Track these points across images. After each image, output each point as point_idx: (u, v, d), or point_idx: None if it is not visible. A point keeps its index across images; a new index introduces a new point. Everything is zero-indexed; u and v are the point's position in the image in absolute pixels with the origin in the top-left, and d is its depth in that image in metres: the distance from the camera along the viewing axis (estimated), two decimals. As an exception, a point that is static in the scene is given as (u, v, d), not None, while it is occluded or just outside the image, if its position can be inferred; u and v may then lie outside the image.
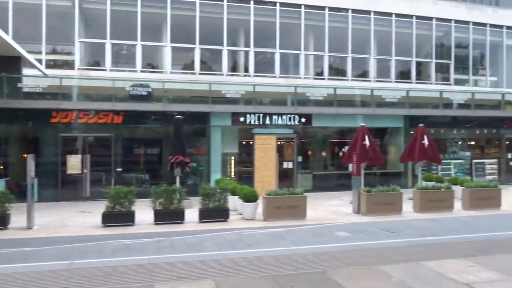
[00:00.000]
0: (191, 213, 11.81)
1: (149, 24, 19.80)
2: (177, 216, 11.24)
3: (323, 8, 22.45)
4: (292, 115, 17.48)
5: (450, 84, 24.17)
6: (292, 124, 17.53)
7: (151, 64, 21.44)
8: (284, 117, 17.43)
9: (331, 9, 22.58)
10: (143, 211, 11.59)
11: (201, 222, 11.27)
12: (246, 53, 21.54)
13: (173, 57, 20.35)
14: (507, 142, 21.20)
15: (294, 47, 22.25)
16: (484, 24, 25.48)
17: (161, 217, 11.13)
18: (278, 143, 17.25)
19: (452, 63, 24.57)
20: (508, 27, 26.05)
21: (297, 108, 17.72)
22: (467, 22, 25.06)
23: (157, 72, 20.15)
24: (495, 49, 26.02)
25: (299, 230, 10.36)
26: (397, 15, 23.68)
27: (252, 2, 21.26)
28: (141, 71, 19.52)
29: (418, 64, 24.55)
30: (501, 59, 26.04)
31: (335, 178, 18.68)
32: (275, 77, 21.49)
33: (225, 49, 20.81)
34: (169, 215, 11.18)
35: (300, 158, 17.96)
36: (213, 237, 9.42)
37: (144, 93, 16.28)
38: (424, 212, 12.98)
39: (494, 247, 7.66)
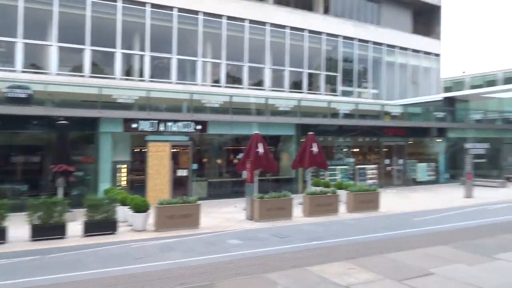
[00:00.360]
0: (75, 227, 10.98)
1: (32, 20, 18.15)
2: (58, 231, 10.35)
3: (220, 16, 22.66)
4: (188, 122, 17.25)
5: (337, 95, 25.95)
6: (188, 131, 17.30)
7: (34, 64, 19.66)
8: (179, 124, 17.12)
9: (229, 18, 22.89)
10: (19, 227, 10.48)
11: (86, 236, 10.52)
12: (141, 57, 20.85)
13: (60, 58, 18.91)
14: (385, 149, 23.32)
15: (192, 54, 22.10)
16: (367, 41, 27.86)
17: (39, 232, 10.15)
18: (173, 150, 16.88)
19: (339, 76, 26.42)
20: (387, 45, 28.81)
21: (193, 115, 17.54)
22: (352, 38, 27.17)
23: (41, 73, 18.53)
24: (377, 64, 28.58)
25: (192, 240, 10.21)
26: (291, 28, 24.82)
27: (148, 5, 20.68)
28: (22, 71, 17.79)
29: (310, 75, 25.94)
30: (381, 74, 28.66)
31: (230, 185, 18.84)
32: (171, 83, 21.11)
33: (118, 52, 19.91)
34: (48, 230, 10.24)
35: (195, 166, 17.77)
36: (97, 252, 8.83)
37: (23, 95, 14.77)
38: (312, 216, 13.66)
39: (373, 248, 8.25)
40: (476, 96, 29.46)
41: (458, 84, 42.57)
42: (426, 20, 32.23)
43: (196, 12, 21.97)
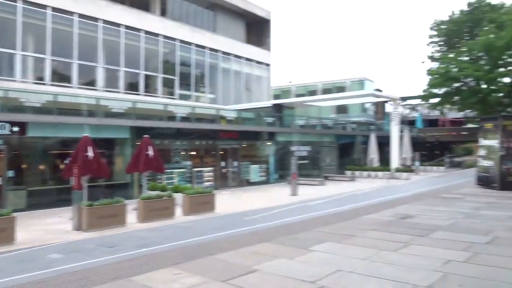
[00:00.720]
0: None
1: None
2: None
3: (44, 6, 20.49)
4: (2, 123, 15.04)
5: (175, 98, 25.91)
6: (2, 133, 15.09)
7: None
8: (-10, 125, 14.82)
9: (54, 9, 20.87)
10: None
11: None
12: None
13: None
14: (221, 152, 24.13)
15: (9, 46, 19.46)
16: (204, 47, 28.53)
17: None
18: (-18, 155, 14.53)
19: (177, 79, 26.43)
20: (223, 52, 29.97)
21: (9, 115, 15.38)
22: (190, 43, 27.50)
23: None
24: (213, 70, 29.48)
25: (2, 259, 8.86)
26: (126, 27, 23.86)
27: None
28: None
29: (147, 77, 25.34)
30: (218, 79, 29.65)
31: (56, 193, 17.02)
32: (-19, 77, 18.23)
33: None
34: None
35: (11, 173, 15.59)
36: None
37: None
38: (147, 222, 13.26)
39: (203, 250, 8.31)
40: (300, 103, 32.81)
41: (285, 92, 46.82)
42: (258, 32, 34.61)
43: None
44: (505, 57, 37.26)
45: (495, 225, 7.54)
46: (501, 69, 37.58)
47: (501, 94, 37.73)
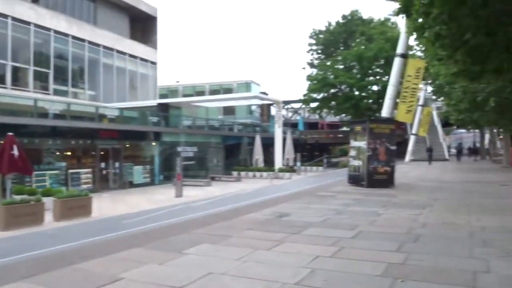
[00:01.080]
0: None
1: None
2: None
3: None
4: None
5: (49, 94, 23.74)
6: None
7: None
8: None
9: None
10: None
11: None
12: None
13: None
14: (101, 152, 22.71)
15: None
16: (83, 40, 26.62)
17: None
18: None
19: (51, 73, 24.25)
20: (105, 47, 28.30)
21: None
22: (66, 35, 25.45)
23: None
24: (94, 65, 27.67)
25: None
26: (-10, 11, 21.21)
27: None
28: None
29: (16, 69, 22.83)
30: (99, 75, 27.90)
31: None
32: None
33: None
34: None
35: None
36: None
37: None
38: (10, 230, 11.91)
39: (65, 259, 7.29)
40: (187, 104, 32.49)
41: (173, 92, 46.01)
42: (143, 28, 33.42)
43: None
44: (374, 67, 41.43)
45: (360, 220, 8.17)
46: (371, 78, 41.70)
47: (370, 101, 41.82)
